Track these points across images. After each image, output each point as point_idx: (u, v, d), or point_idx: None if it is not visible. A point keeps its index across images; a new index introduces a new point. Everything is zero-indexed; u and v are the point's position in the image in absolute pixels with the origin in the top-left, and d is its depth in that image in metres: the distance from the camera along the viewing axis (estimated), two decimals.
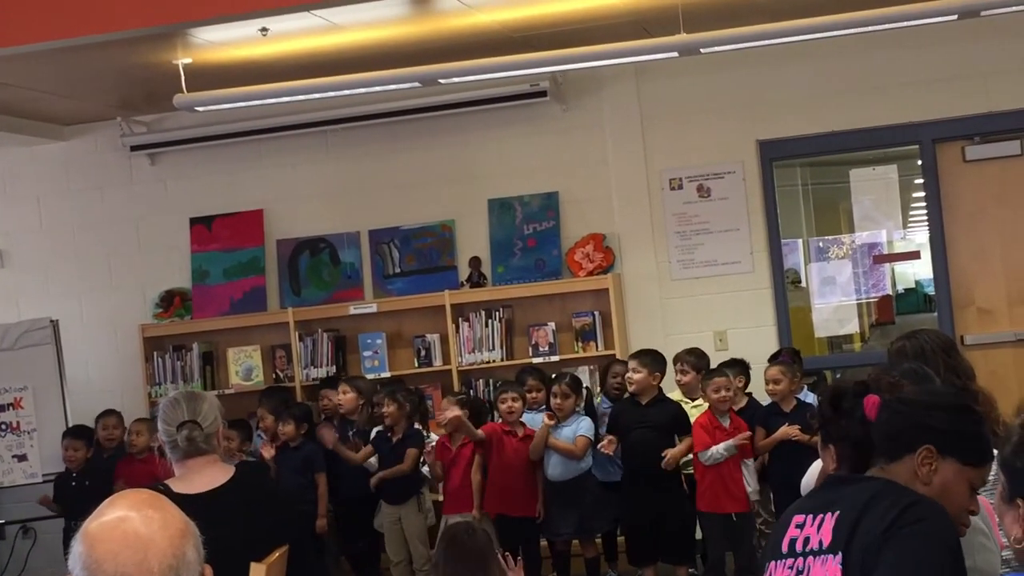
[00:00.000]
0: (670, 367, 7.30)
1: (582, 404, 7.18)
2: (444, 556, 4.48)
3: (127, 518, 2.09)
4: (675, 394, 7.37)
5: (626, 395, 7.21)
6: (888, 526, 2.56)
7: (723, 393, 6.83)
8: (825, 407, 2.91)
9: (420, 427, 7.39)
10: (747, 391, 7.30)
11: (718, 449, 6.75)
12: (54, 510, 7.90)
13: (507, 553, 4.01)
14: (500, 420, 7.26)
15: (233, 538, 3.65)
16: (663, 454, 6.80)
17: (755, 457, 6.96)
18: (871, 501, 2.61)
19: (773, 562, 2.75)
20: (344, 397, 7.62)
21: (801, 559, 2.67)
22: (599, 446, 7.01)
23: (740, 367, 7.32)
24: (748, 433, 6.79)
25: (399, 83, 7.10)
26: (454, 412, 7.05)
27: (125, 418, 8.20)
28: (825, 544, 2.64)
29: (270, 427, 7.62)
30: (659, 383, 7.10)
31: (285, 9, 6.01)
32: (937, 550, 2.53)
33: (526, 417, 7.23)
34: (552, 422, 7.01)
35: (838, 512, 2.65)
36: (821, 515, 2.68)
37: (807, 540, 2.68)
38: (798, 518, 2.75)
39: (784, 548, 2.73)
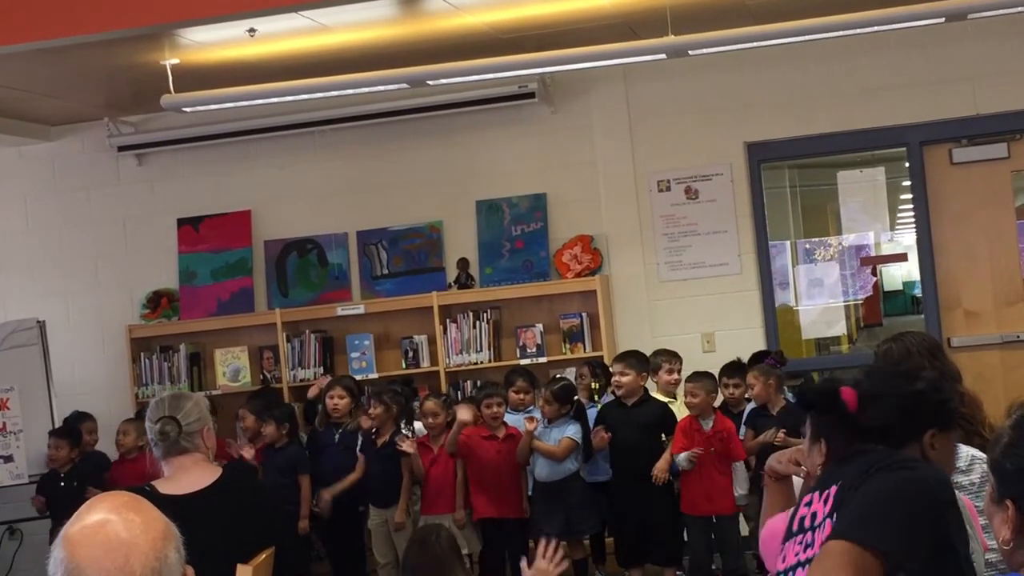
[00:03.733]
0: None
1: (570, 411, 7.13)
2: (407, 558, 4.52)
3: (108, 522, 2.08)
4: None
5: (606, 397, 7.23)
6: (867, 470, 2.65)
7: (688, 399, 6.92)
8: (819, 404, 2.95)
9: (406, 429, 7.36)
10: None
11: (679, 459, 6.78)
12: (44, 512, 7.88)
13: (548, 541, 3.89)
14: (481, 423, 7.24)
15: (218, 539, 3.65)
16: (652, 473, 6.81)
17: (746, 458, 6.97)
18: (869, 470, 2.67)
19: (786, 543, 2.80)
20: (342, 402, 7.56)
21: (809, 533, 2.73)
22: (594, 440, 6.99)
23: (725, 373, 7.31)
24: (698, 451, 6.77)
25: (387, 84, 7.09)
26: (466, 416, 7.06)
27: (112, 420, 8.19)
28: (826, 512, 2.71)
29: (251, 428, 7.59)
30: (645, 383, 7.12)
31: (273, 10, 6.01)
32: (913, 489, 2.59)
33: (511, 418, 7.22)
34: (534, 426, 6.99)
35: (840, 482, 2.71)
36: (827, 491, 2.74)
37: (814, 515, 2.75)
38: (807, 497, 2.82)
39: (795, 527, 2.79)
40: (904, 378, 2.88)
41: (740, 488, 6.94)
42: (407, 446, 7.06)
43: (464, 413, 7.11)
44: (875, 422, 2.80)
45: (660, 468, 6.84)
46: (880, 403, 2.81)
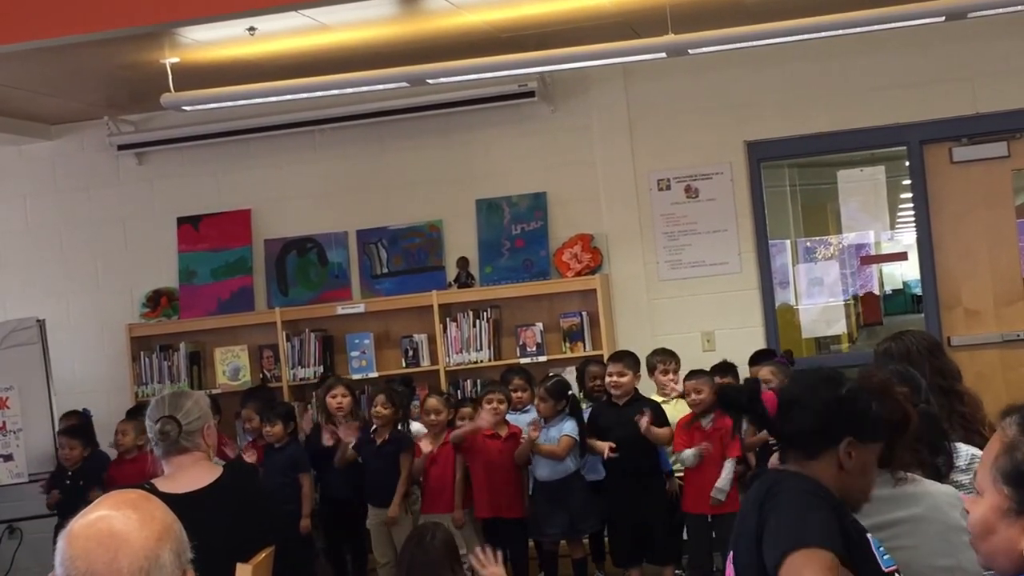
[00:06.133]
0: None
1: (565, 408, 7.11)
2: (403, 555, 4.54)
3: (106, 517, 2.11)
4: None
5: (604, 398, 7.22)
6: (761, 514, 2.72)
7: (693, 396, 6.88)
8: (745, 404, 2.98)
9: (403, 428, 7.35)
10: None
11: (687, 454, 6.76)
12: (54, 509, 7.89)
13: (486, 547, 4.02)
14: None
15: (217, 538, 3.65)
16: (636, 418, 6.79)
17: (742, 456, 6.95)
18: (761, 498, 2.75)
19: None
20: (345, 400, 7.54)
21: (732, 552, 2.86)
22: (604, 455, 6.97)
23: (728, 370, 7.31)
24: (707, 445, 6.75)
25: (387, 83, 7.09)
26: (485, 422, 7.03)
27: (112, 419, 8.19)
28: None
29: (257, 428, 7.59)
30: (637, 383, 7.12)
31: (273, 9, 6.00)
32: (792, 505, 2.69)
33: (510, 418, 7.21)
34: (536, 433, 6.97)
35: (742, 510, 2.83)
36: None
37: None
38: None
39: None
40: (826, 384, 2.88)
41: (723, 484, 6.82)
42: (424, 443, 7.08)
43: (485, 420, 7.03)
44: (793, 427, 2.85)
45: (649, 428, 6.79)
46: (799, 409, 2.84)
